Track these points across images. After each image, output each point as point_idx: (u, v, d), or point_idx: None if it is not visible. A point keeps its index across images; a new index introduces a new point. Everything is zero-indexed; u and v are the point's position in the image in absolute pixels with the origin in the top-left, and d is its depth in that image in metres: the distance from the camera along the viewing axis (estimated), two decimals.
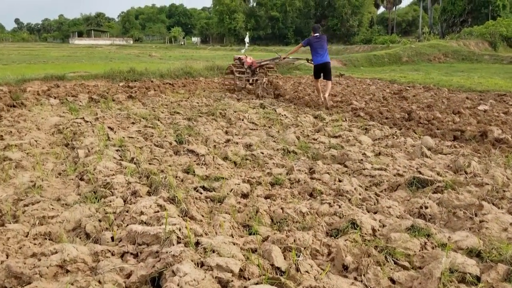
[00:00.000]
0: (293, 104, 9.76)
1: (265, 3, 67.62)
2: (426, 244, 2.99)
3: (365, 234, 3.19)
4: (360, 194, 4.03)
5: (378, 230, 3.27)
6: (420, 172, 4.52)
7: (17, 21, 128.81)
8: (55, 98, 9.85)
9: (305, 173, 4.69)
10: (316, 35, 9.95)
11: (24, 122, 7.04)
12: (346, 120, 7.78)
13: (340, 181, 4.37)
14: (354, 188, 4.12)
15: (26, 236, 3.10)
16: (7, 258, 2.77)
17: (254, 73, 11.86)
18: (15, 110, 8.34)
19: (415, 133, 6.73)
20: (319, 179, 4.46)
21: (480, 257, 2.82)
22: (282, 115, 8.03)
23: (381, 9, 79.67)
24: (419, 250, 2.92)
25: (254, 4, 73.46)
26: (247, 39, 21.49)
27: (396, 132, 6.75)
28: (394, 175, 4.60)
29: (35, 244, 3.01)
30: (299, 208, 3.51)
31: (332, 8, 65.69)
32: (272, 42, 63.49)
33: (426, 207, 3.66)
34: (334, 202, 3.71)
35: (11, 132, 6.34)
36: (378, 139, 6.42)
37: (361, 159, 5.09)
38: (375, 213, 3.67)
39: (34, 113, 8.00)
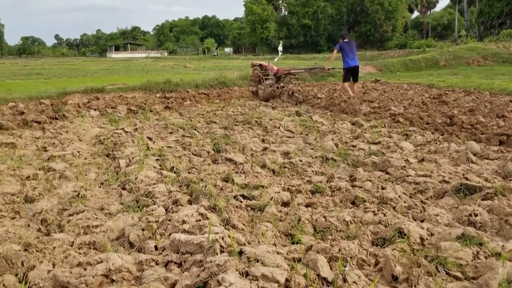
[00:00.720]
0: (329, 111, 9.64)
1: (297, 11, 67.69)
2: (479, 253, 2.85)
3: (413, 243, 3.07)
4: (405, 202, 3.90)
5: (427, 239, 3.15)
6: (467, 178, 4.33)
7: (57, 37, 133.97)
8: (95, 110, 10.10)
9: (346, 180, 4.59)
10: (346, 40, 10.76)
11: (66, 134, 7.24)
12: (385, 126, 7.61)
13: (383, 188, 4.25)
14: (398, 195, 3.99)
15: (71, 246, 3.15)
16: (53, 267, 2.81)
17: (279, 80, 12.20)
18: (57, 122, 8.60)
19: (459, 138, 6.50)
20: (361, 187, 4.36)
21: None
22: (318, 122, 7.94)
23: (415, 14, 78.33)
24: (472, 260, 2.78)
25: (286, 13, 73.71)
26: (280, 48, 21.40)
27: (438, 137, 6.55)
28: (440, 182, 4.44)
29: (80, 253, 3.05)
30: (342, 217, 3.42)
31: (365, 14, 65.06)
32: (305, 50, 63.39)
33: (476, 215, 3.49)
34: (378, 210, 3.60)
35: (54, 143, 6.52)
36: (420, 145, 6.24)
37: (404, 166, 4.95)
38: (422, 221, 3.54)
39: (76, 124, 8.22)
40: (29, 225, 3.57)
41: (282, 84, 11.94)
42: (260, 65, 12.28)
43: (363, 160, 5.31)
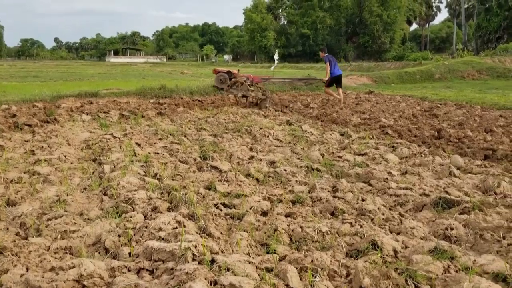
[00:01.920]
0: (320, 121, 9.69)
1: (296, 21, 68.05)
2: (450, 267, 2.87)
3: (386, 255, 3.10)
4: (383, 214, 3.93)
5: (400, 251, 3.18)
6: (447, 192, 4.38)
7: (56, 40, 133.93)
8: (87, 114, 10.11)
9: (328, 191, 4.62)
10: (328, 54, 12.67)
11: (56, 138, 7.24)
12: (373, 137, 7.66)
13: (363, 200, 4.28)
14: (378, 207, 4.03)
15: (47, 250, 3.16)
16: (27, 271, 2.82)
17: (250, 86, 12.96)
18: (48, 125, 8.61)
19: (444, 151, 6.55)
20: (342, 198, 4.39)
21: (506, 282, 2.70)
22: (308, 132, 7.98)
23: (414, 26, 78.85)
24: (442, 274, 2.81)
25: (285, 22, 74.09)
26: (276, 56, 21.53)
27: (424, 150, 6.59)
28: (420, 195, 4.48)
29: (55, 258, 3.07)
30: (319, 227, 3.45)
31: (364, 25, 65.44)
32: (303, 60, 63.62)
33: (452, 229, 3.53)
34: (355, 222, 3.63)
35: (42, 147, 6.53)
36: (406, 157, 6.28)
37: (386, 178, 4.98)
38: (398, 233, 3.57)
39: (66, 128, 8.23)
40: (8, 229, 3.58)
41: (251, 89, 12.79)
42: (228, 72, 13.24)
43: (347, 171, 5.35)
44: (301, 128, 8.40)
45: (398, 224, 3.75)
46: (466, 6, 63.93)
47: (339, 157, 6.14)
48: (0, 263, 2.84)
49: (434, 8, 75.41)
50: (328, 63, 12.29)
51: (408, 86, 21.02)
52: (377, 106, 12.40)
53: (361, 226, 3.55)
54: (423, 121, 9.38)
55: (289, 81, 15.71)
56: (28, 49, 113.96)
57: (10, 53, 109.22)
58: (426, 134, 7.73)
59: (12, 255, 2.98)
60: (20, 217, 3.71)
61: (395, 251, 3.17)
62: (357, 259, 3.09)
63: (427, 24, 77.43)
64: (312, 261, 2.90)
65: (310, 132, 8.01)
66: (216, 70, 13.33)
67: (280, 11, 75.11)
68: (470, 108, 11.68)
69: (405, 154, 6.39)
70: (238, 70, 13.75)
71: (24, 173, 5.15)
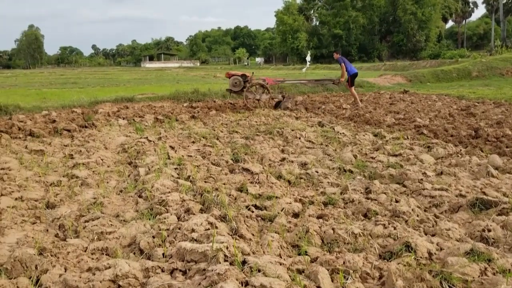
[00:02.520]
0: (353, 122, 9.59)
1: (328, 21, 67.52)
2: (487, 269, 2.79)
3: (420, 257, 3.04)
4: (417, 216, 3.86)
5: (435, 253, 3.12)
6: (484, 193, 4.25)
7: (94, 47, 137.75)
8: (123, 118, 10.37)
9: (361, 192, 4.58)
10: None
11: (93, 142, 7.47)
12: (407, 138, 7.52)
13: (397, 201, 4.22)
14: (412, 209, 3.96)
15: (85, 251, 3.27)
16: (65, 271, 2.92)
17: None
18: (86, 130, 8.88)
19: (482, 151, 6.36)
20: (375, 199, 4.33)
21: None
22: (340, 133, 7.91)
23: (450, 23, 76.82)
24: (478, 276, 2.73)
25: (317, 23, 73.61)
26: (308, 58, 21.44)
27: (461, 150, 6.42)
28: (456, 196, 4.37)
29: (92, 258, 3.16)
30: (351, 229, 3.42)
31: (398, 23, 64.25)
32: (335, 60, 63.10)
33: (489, 230, 3.43)
34: (389, 224, 3.58)
35: (80, 151, 6.76)
36: (441, 157, 6.13)
37: (421, 179, 4.88)
38: (433, 235, 3.50)
39: (103, 133, 8.47)
40: (47, 230, 3.73)
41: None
42: (243, 75, 12.57)
43: (380, 172, 5.28)
44: (334, 129, 8.33)
45: (433, 226, 3.67)
46: (505, 1, 61.71)
47: (372, 158, 6.07)
48: (40, 263, 2.95)
49: (470, 4, 73.34)
50: (343, 64, 12.63)
51: (445, 85, 20.49)
52: (412, 105, 12.16)
53: (395, 228, 3.49)
54: (460, 120, 9.14)
55: (305, 82, 15.38)
56: (67, 57, 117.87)
57: (50, 60, 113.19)
58: (462, 133, 7.52)
59: (51, 255, 3.09)
60: (59, 219, 3.85)
61: (430, 253, 3.11)
62: (390, 261, 3.04)
63: (464, 21, 75.26)
64: (344, 263, 2.88)
65: (343, 133, 7.94)
66: (230, 74, 12.92)
67: (312, 12, 74.69)
68: (509, 106, 11.29)
69: (441, 154, 6.24)
70: (253, 73, 13.32)
71: (63, 176, 5.34)
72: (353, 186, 4.73)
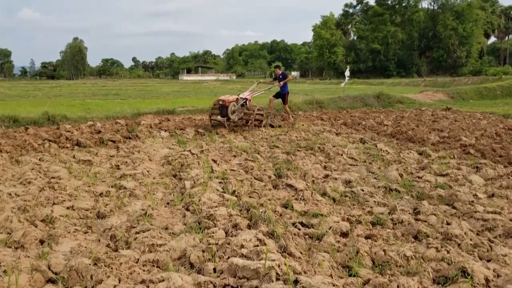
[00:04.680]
0: (395, 139, 9.43)
1: (366, 36, 66.97)
2: None
3: (477, 284, 2.95)
4: (471, 239, 3.74)
5: (492, 280, 3.01)
6: None
7: (134, 59, 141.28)
8: (165, 131, 10.57)
9: (409, 213, 4.48)
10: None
11: (138, 153, 7.64)
12: (454, 157, 7.32)
13: (448, 224, 4.10)
14: (465, 232, 3.84)
15: (136, 262, 3.32)
16: (119, 282, 2.98)
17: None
18: (131, 141, 9.10)
19: None
20: (425, 221, 4.23)
21: None
22: (383, 151, 7.79)
23: (492, 39, 74.75)
24: None
25: (355, 38, 73.16)
26: (347, 73, 21.30)
27: (511, 171, 6.19)
28: (510, 220, 4.21)
29: (144, 270, 3.22)
30: (403, 251, 3.35)
31: (438, 39, 63.01)
32: (373, 75, 62.36)
33: None
34: (441, 247, 3.49)
35: (126, 162, 6.92)
36: (491, 179, 5.94)
37: (472, 201, 4.74)
38: (488, 261, 3.38)
39: (147, 145, 8.65)
40: (99, 240, 3.82)
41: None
42: (237, 100, 11.12)
43: (428, 193, 5.16)
44: (376, 146, 8.22)
45: (488, 251, 3.55)
46: None
47: (419, 177, 5.93)
48: (95, 273, 3.01)
49: None
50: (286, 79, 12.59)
51: (488, 103, 19.92)
52: (456, 123, 11.85)
53: (448, 252, 3.40)
54: (508, 140, 8.84)
55: (264, 90, 13.61)
56: (109, 68, 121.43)
57: (93, 72, 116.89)
58: None
59: (105, 266, 3.16)
60: (110, 230, 3.94)
61: (487, 280, 3.01)
62: (445, 286, 2.96)
63: (507, 36, 73.07)
64: (398, 286, 2.81)
65: (386, 150, 7.81)
66: (228, 101, 10.74)
67: (349, 26, 74.33)
68: None
69: (490, 175, 6.05)
70: (239, 95, 11.54)
71: (111, 187, 5.47)
72: (401, 206, 4.64)
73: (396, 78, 54.59)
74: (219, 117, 10.82)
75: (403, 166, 6.67)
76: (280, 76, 12.75)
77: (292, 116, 13.25)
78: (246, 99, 11.48)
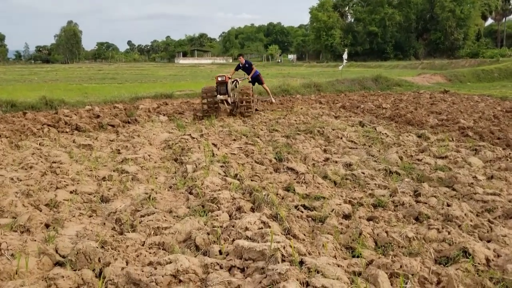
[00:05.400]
0: (394, 122, 9.46)
1: (363, 18, 66.54)
2: None
3: (478, 264, 3.00)
4: (471, 221, 3.79)
5: (493, 260, 3.06)
6: None
7: (129, 43, 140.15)
8: (164, 115, 10.57)
9: (410, 195, 4.53)
10: None
11: (138, 138, 7.65)
12: (453, 140, 7.37)
13: (448, 205, 4.15)
14: (465, 213, 3.89)
15: (143, 245, 3.37)
16: (126, 265, 3.02)
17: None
18: (130, 126, 9.10)
19: None
20: (426, 203, 4.28)
21: None
22: (382, 134, 7.82)
23: (489, 21, 74.31)
24: None
25: (352, 20, 72.66)
26: (345, 56, 21.22)
27: (510, 153, 6.25)
28: (510, 201, 4.27)
29: (150, 253, 3.26)
30: (405, 233, 3.40)
31: (435, 21, 62.68)
32: (370, 58, 62.12)
33: None
34: (442, 228, 3.54)
35: (126, 146, 6.93)
36: (490, 161, 5.99)
37: (472, 183, 4.79)
38: (488, 241, 3.43)
39: (146, 129, 8.66)
40: (104, 224, 3.86)
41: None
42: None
43: (428, 175, 5.21)
44: (375, 129, 8.25)
45: (488, 232, 3.60)
46: None
47: (419, 160, 5.98)
48: (102, 256, 3.05)
49: (511, 1, 70.72)
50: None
51: (486, 85, 19.92)
52: (454, 106, 11.88)
53: (449, 233, 3.45)
54: (506, 123, 8.88)
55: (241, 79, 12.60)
56: (104, 52, 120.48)
57: (88, 56, 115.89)
58: (510, 136, 7.32)
59: (112, 249, 3.20)
60: (115, 213, 3.98)
61: (488, 260, 3.06)
62: (447, 266, 3.01)
63: (504, 18, 72.68)
64: (401, 266, 2.86)
65: (385, 133, 7.85)
66: (228, 77, 10.65)
67: (347, 9, 73.74)
68: None
69: (489, 157, 6.09)
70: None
71: (113, 171, 5.50)
72: (401, 188, 4.68)
73: (394, 61, 54.46)
74: (220, 96, 10.43)
75: (402, 149, 6.71)
76: (247, 65, 12.44)
77: (272, 96, 13.27)
78: (236, 80, 11.28)
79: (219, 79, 10.46)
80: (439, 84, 20.36)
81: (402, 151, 6.54)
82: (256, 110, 11.48)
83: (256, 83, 12.88)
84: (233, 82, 11.02)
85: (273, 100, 12.96)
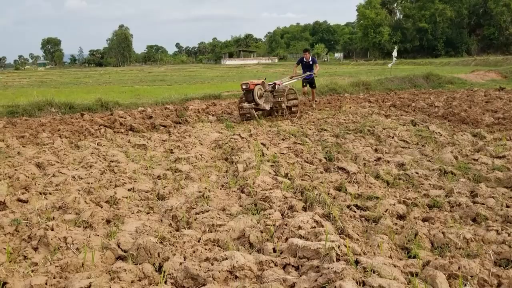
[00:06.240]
0: (447, 121, 9.18)
1: (413, 14, 64.78)
2: None
3: None
4: None
5: None
6: None
7: (177, 45, 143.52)
8: (213, 115, 10.77)
9: (466, 196, 4.40)
10: None
11: (189, 138, 7.85)
12: (510, 139, 7.07)
13: (508, 206, 4.01)
14: None
15: (198, 241, 3.47)
16: (184, 260, 3.13)
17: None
18: (181, 126, 9.35)
19: None
20: (483, 204, 4.15)
21: None
22: (436, 133, 7.62)
23: None
24: None
25: (401, 17, 70.93)
26: (395, 53, 20.76)
27: None
28: None
29: (206, 249, 3.35)
30: (462, 234, 3.32)
31: (489, 16, 60.06)
32: (420, 55, 60.45)
33: None
34: (502, 230, 3.43)
35: (179, 146, 7.13)
36: None
37: None
38: None
39: (197, 129, 8.86)
40: (161, 220, 4.01)
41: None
42: (263, 84, 10.27)
43: (485, 175, 5.03)
44: (428, 128, 8.04)
45: None
46: None
47: (475, 159, 5.79)
48: (161, 251, 3.18)
49: None
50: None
51: None
52: (511, 104, 11.37)
53: (509, 234, 3.34)
54: None
55: (296, 79, 12.46)
56: (153, 55, 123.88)
57: (138, 58, 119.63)
58: None
59: (170, 244, 3.32)
60: (171, 211, 4.12)
61: None
62: (507, 268, 2.92)
63: None
64: (459, 268, 2.81)
65: (439, 132, 7.64)
66: (253, 84, 9.95)
67: (395, 5, 72.08)
68: None
69: None
70: (265, 78, 10.95)
71: (168, 170, 5.68)
72: (457, 188, 4.56)
73: (445, 58, 52.72)
74: (246, 104, 9.86)
75: (457, 148, 6.51)
76: (311, 62, 11.93)
77: (316, 102, 12.55)
78: (275, 83, 10.65)
79: (243, 86, 9.93)
80: (494, 81, 19.53)
81: (457, 150, 6.35)
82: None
83: (308, 85, 12.47)
84: (271, 84, 10.56)
85: (315, 106, 12.28)
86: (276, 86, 10.58)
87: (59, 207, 4.21)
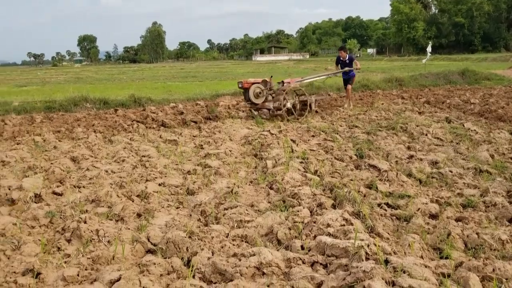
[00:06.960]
0: (483, 118, 8.90)
1: (449, 9, 63.06)
2: None
3: None
4: None
5: None
6: None
7: (209, 41, 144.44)
8: (243, 111, 10.79)
9: (503, 196, 4.25)
10: None
11: (219, 134, 7.90)
12: None
13: None
14: None
15: (226, 237, 3.48)
16: (212, 255, 3.15)
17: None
18: (211, 122, 9.41)
19: None
20: None
21: None
22: (471, 130, 7.39)
23: None
24: None
25: (436, 11, 69.18)
26: (429, 49, 20.26)
27: None
28: None
29: (234, 245, 3.36)
30: (498, 235, 3.21)
31: None
32: (456, 51, 58.81)
33: None
34: None
35: (209, 142, 7.18)
36: None
37: None
38: None
39: (227, 125, 8.90)
40: (190, 215, 4.04)
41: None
42: (264, 82, 9.72)
43: None
44: (463, 125, 7.81)
45: None
46: None
47: None
48: (190, 246, 3.21)
49: None
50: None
51: None
52: None
53: None
54: None
55: (324, 77, 12.41)
56: (185, 51, 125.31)
57: (170, 55, 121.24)
58: None
59: (199, 239, 3.34)
60: (200, 206, 4.15)
61: None
62: None
63: None
64: (493, 270, 2.71)
65: (474, 130, 7.41)
66: (247, 82, 9.64)
67: (430, 0, 70.36)
68: None
69: None
70: (271, 77, 10.18)
71: (197, 165, 5.73)
72: (493, 188, 4.41)
73: (482, 53, 51.12)
74: (243, 103, 9.62)
75: (493, 146, 6.30)
76: (347, 61, 11.31)
77: (351, 103, 11.62)
78: (282, 82, 10.12)
79: (239, 85, 9.77)
80: None
81: (493, 149, 6.14)
82: (316, 112, 10.53)
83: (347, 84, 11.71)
84: (280, 82, 10.10)
85: (348, 106, 11.40)
86: (285, 85, 10.01)
87: (92, 200, 4.32)
